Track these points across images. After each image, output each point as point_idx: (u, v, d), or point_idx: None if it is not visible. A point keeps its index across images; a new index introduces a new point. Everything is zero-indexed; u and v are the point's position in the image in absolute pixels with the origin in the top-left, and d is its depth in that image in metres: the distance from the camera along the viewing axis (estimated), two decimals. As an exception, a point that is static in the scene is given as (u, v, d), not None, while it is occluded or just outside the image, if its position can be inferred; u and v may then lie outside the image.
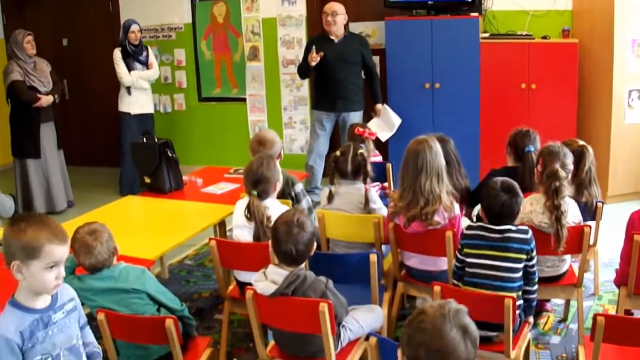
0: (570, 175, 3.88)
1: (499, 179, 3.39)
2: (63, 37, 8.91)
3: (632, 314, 3.86)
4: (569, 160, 3.86)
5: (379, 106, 6.69)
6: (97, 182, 8.14)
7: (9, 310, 2.32)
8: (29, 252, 2.25)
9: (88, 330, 2.66)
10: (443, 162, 3.78)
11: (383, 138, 6.60)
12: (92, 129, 8.93)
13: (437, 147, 3.77)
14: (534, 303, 3.47)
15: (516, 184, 3.38)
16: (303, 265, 3.04)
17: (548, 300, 4.40)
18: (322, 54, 6.31)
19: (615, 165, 6.34)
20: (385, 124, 6.67)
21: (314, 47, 6.33)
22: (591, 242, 4.40)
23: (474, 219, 4.38)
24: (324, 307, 2.79)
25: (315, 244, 3.09)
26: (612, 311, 4.26)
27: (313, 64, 6.34)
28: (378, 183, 5.38)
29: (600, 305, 4.48)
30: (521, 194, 3.39)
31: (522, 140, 4.31)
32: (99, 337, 2.85)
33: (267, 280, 2.95)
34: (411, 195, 3.69)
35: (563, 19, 6.74)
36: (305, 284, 2.90)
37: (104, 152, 8.71)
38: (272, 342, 3.24)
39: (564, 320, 4.28)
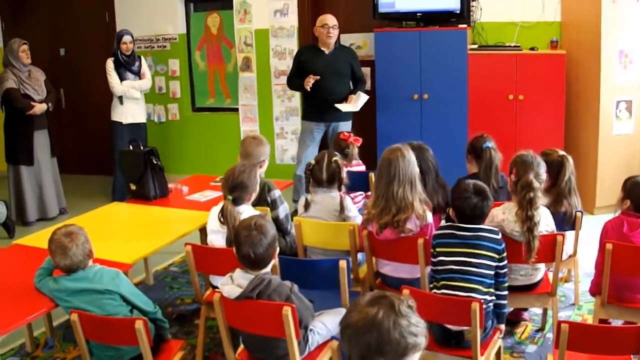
0: (543, 185, 3.92)
1: (471, 181, 3.47)
2: (60, 47, 9.02)
3: (609, 323, 3.89)
4: (543, 170, 3.90)
5: (350, 95, 6.61)
6: (90, 189, 8.21)
7: None
8: None
9: None
10: (416, 170, 3.82)
11: (346, 109, 6.51)
12: (87, 137, 9.01)
13: (411, 155, 3.81)
14: (505, 309, 3.51)
15: (486, 187, 3.47)
16: (269, 269, 3.07)
17: (526, 310, 4.42)
18: (317, 78, 6.36)
19: (603, 176, 6.37)
20: (354, 101, 6.59)
21: (312, 78, 6.37)
22: (571, 251, 4.49)
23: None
24: (287, 310, 2.83)
25: (277, 249, 3.13)
26: (590, 321, 4.27)
27: (308, 88, 6.40)
28: (362, 192, 5.41)
29: (579, 314, 4.50)
30: (491, 197, 3.48)
31: (478, 141, 4.44)
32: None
33: (234, 283, 2.99)
34: (384, 203, 3.74)
35: (551, 30, 6.79)
36: (270, 287, 2.94)
37: (97, 161, 8.79)
38: (241, 347, 3.28)
39: (541, 329, 4.29)
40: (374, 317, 1.83)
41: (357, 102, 6.47)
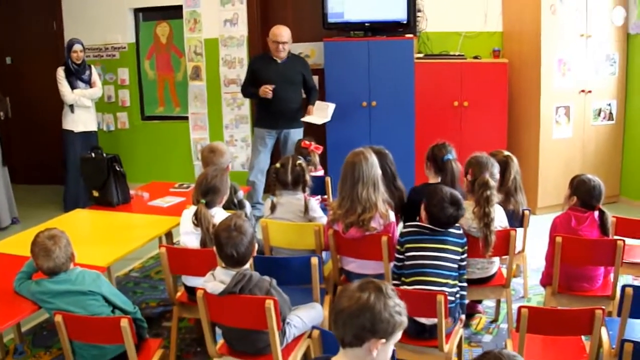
0: (497, 184, 4.17)
1: (448, 190, 3.67)
2: (6, 56, 8.92)
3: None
4: (496, 169, 4.16)
5: (310, 106, 6.80)
6: (41, 199, 8.17)
7: None
8: None
9: None
10: (379, 172, 4.02)
11: (321, 122, 6.73)
12: (35, 146, 8.93)
13: (373, 158, 4.01)
14: (465, 300, 3.75)
15: (462, 198, 3.68)
16: (248, 265, 3.24)
17: (480, 302, 4.66)
18: (273, 87, 6.51)
19: (545, 178, 6.70)
20: (320, 111, 6.79)
21: (270, 89, 6.51)
22: (520, 247, 4.74)
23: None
24: (269, 303, 2.99)
25: (256, 245, 3.31)
26: (539, 312, 4.55)
27: (269, 97, 6.53)
28: (319, 196, 5.59)
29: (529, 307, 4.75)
30: (464, 208, 3.70)
31: (440, 151, 4.52)
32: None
33: (216, 280, 3.15)
34: (349, 204, 3.93)
35: (494, 40, 7.11)
36: (251, 282, 3.11)
37: (47, 170, 8.73)
38: (221, 341, 3.42)
39: (495, 320, 4.54)
40: (367, 300, 2.09)
41: (326, 111, 6.68)
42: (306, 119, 6.69)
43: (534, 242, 5.03)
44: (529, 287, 4.94)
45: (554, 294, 4.00)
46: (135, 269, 5.79)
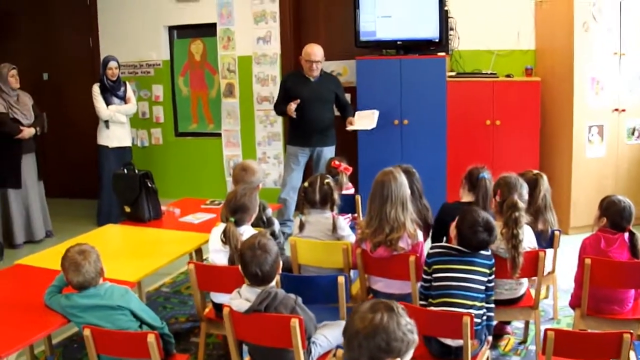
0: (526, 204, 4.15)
1: (482, 215, 3.62)
2: (44, 72, 9.11)
3: (587, 335, 4.10)
4: (525, 190, 4.14)
5: (350, 118, 6.80)
6: (75, 213, 8.29)
7: None
8: None
9: None
10: (408, 192, 4.03)
11: (370, 127, 6.72)
12: (71, 161, 9.08)
13: (402, 178, 4.02)
14: (493, 322, 3.72)
15: (495, 224, 3.64)
16: (273, 283, 3.26)
17: (509, 323, 4.62)
18: (298, 101, 6.55)
19: (577, 198, 6.63)
20: (364, 119, 6.78)
21: (294, 104, 6.56)
22: (549, 268, 4.69)
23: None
24: (295, 322, 3.01)
25: (281, 263, 3.33)
26: (569, 334, 4.50)
27: (293, 115, 6.58)
28: (349, 215, 5.59)
29: (558, 328, 4.70)
30: (497, 232, 3.68)
31: (477, 170, 4.51)
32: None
33: (242, 298, 3.17)
34: (377, 223, 3.94)
35: (526, 58, 7.08)
36: (276, 300, 3.12)
37: (82, 185, 8.85)
38: (247, 358, 3.44)
39: (523, 342, 4.49)
40: (380, 321, 2.11)
41: (371, 117, 6.67)
42: (355, 127, 6.68)
43: (565, 263, 4.98)
44: (559, 309, 4.88)
45: (583, 317, 3.96)
46: (166, 284, 5.84)
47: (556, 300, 4.89)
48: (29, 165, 7.06)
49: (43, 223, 7.29)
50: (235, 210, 3.98)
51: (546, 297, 5.18)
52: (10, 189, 6.94)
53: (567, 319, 4.79)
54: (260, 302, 3.09)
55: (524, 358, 4.29)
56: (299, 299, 3.22)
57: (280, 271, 3.36)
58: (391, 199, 3.92)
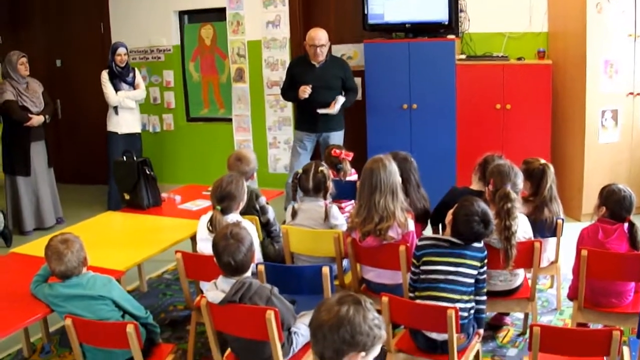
0: (521, 194, 4.04)
1: (480, 205, 3.51)
2: (57, 58, 9.14)
3: (588, 327, 3.99)
4: (520, 179, 4.01)
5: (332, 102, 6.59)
6: (86, 199, 8.32)
7: None
8: None
9: None
10: (398, 179, 3.94)
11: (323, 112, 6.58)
12: (83, 147, 9.12)
13: (393, 166, 3.94)
14: (484, 315, 3.63)
15: (491, 216, 3.53)
16: (249, 273, 3.21)
17: (507, 315, 4.53)
18: (310, 87, 6.47)
19: (590, 184, 6.45)
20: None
21: (308, 88, 6.48)
22: (552, 258, 4.59)
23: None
24: (270, 314, 2.95)
25: (255, 252, 3.28)
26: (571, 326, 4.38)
27: (306, 95, 6.49)
28: (352, 202, 5.52)
29: (561, 319, 4.61)
30: (493, 226, 3.56)
31: (492, 159, 4.37)
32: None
33: (217, 289, 3.12)
34: (366, 212, 3.87)
35: (539, 40, 6.90)
36: (251, 290, 3.07)
37: (93, 170, 8.88)
38: (228, 350, 3.40)
39: (522, 333, 4.39)
40: (346, 313, 2.05)
41: (334, 105, 6.56)
42: (319, 110, 6.54)
43: (573, 251, 4.84)
44: (563, 299, 4.76)
45: (581, 309, 3.86)
46: (168, 270, 5.83)
47: (559, 290, 4.78)
48: (38, 152, 7.07)
49: (53, 210, 7.30)
50: (221, 199, 3.94)
51: (551, 286, 5.08)
52: (20, 176, 6.95)
53: (570, 310, 4.65)
54: (235, 293, 3.05)
55: (521, 350, 4.19)
56: (275, 289, 3.16)
57: (255, 260, 3.30)
58: (380, 188, 3.84)
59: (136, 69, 7.62)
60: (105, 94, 7.30)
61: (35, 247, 4.28)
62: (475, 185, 4.52)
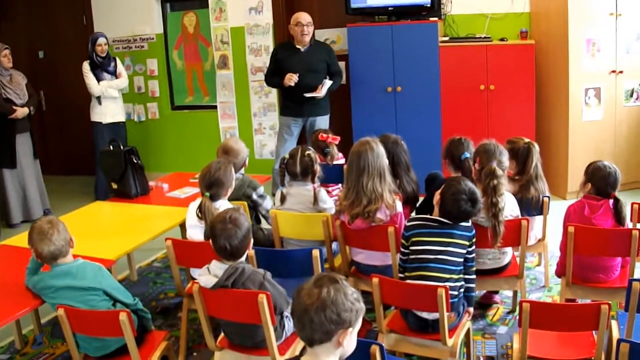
0: (508, 172, 4.07)
1: (468, 184, 3.52)
2: (39, 50, 9.08)
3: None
4: (505, 157, 4.05)
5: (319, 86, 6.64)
6: (73, 190, 8.31)
7: None
8: None
9: None
10: (385, 162, 3.95)
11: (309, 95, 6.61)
12: (68, 138, 9.09)
13: (380, 148, 3.95)
14: (474, 293, 3.66)
15: (479, 195, 3.54)
16: (243, 258, 3.22)
17: (497, 293, 4.57)
18: (297, 74, 6.49)
19: (574, 162, 6.50)
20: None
21: (295, 76, 6.51)
22: (540, 235, 4.63)
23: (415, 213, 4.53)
24: (262, 298, 2.97)
25: (252, 239, 3.28)
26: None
27: (292, 84, 6.51)
28: (339, 185, 5.54)
29: (549, 296, 4.65)
30: (481, 204, 3.58)
31: (457, 149, 4.34)
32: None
33: (210, 274, 3.13)
34: (354, 195, 3.88)
35: (521, 21, 6.93)
36: (243, 275, 3.09)
37: (79, 161, 8.86)
38: (221, 334, 3.42)
39: (512, 311, 4.44)
40: (328, 294, 2.08)
41: (321, 89, 6.58)
42: (306, 94, 6.57)
43: (560, 229, 4.89)
44: (551, 276, 4.81)
45: (569, 285, 3.90)
46: (158, 259, 5.84)
47: (547, 267, 4.83)
48: (23, 144, 7.03)
49: (40, 202, 7.28)
50: (210, 185, 3.95)
51: (539, 264, 5.13)
52: (5, 169, 6.92)
53: (558, 287, 4.69)
54: (227, 278, 3.06)
55: (511, 328, 4.23)
56: (268, 274, 3.18)
57: (250, 247, 3.31)
58: (368, 170, 3.86)
59: (117, 58, 7.58)
60: (87, 84, 7.26)
61: (23, 239, 4.19)
62: (452, 173, 4.46)
